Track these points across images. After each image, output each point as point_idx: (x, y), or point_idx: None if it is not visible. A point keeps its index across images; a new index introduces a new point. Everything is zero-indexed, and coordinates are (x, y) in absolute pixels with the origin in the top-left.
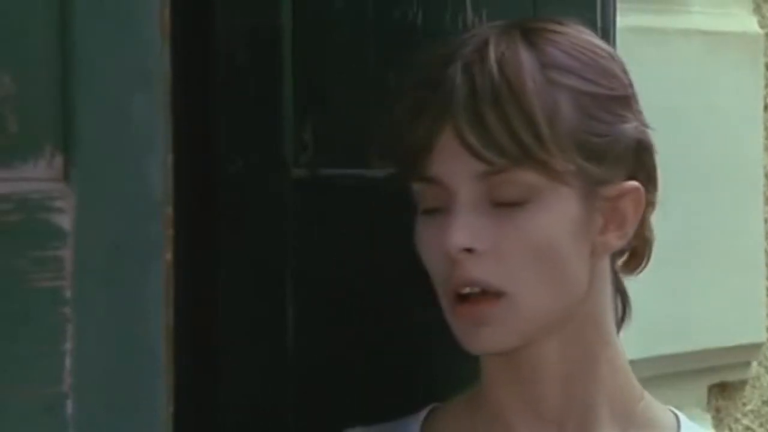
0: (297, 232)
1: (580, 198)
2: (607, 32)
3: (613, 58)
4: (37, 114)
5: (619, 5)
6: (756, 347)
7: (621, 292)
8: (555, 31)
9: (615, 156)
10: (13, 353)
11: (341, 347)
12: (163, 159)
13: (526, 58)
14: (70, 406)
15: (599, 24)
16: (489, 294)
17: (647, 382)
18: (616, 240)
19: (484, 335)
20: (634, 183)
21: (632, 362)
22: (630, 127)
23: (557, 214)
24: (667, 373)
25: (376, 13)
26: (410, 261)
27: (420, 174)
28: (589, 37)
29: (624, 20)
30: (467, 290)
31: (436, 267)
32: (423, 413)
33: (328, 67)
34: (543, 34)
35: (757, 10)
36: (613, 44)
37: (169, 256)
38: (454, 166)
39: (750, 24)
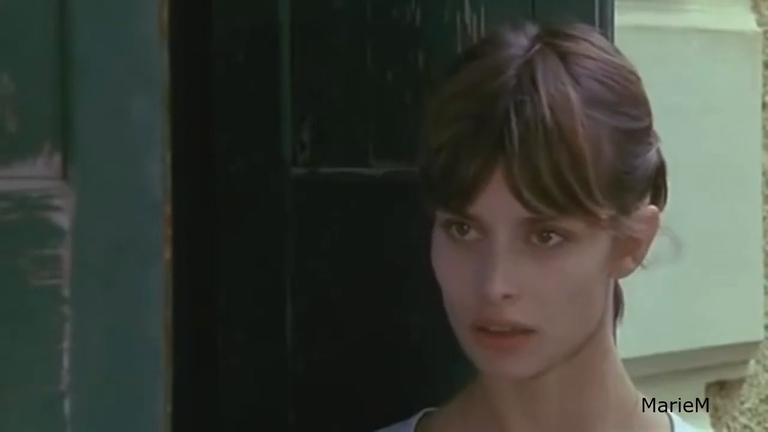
0: (296, 231)
1: (610, 236)
2: (605, 30)
3: (639, 80)
4: (35, 112)
5: (617, 3)
6: (754, 345)
7: (615, 294)
8: (590, 57)
9: (641, 187)
10: (11, 352)
11: (340, 346)
12: (161, 158)
13: (574, 97)
14: (68, 405)
15: (597, 22)
16: (518, 331)
17: (645, 380)
18: (631, 263)
19: (508, 363)
20: (653, 208)
21: (630, 360)
22: (653, 153)
23: (592, 254)
24: (665, 371)
25: (374, 12)
26: (409, 259)
27: (459, 210)
28: (617, 59)
29: (622, 18)
30: (496, 328)
31: (461, 296)
32: (415, 419)
33: (327, 66)
34: (579, 61)
35: (755, 8)
36: (611, 43)
37: (168, 255)
38: (498, 209)
39: (748, 22)
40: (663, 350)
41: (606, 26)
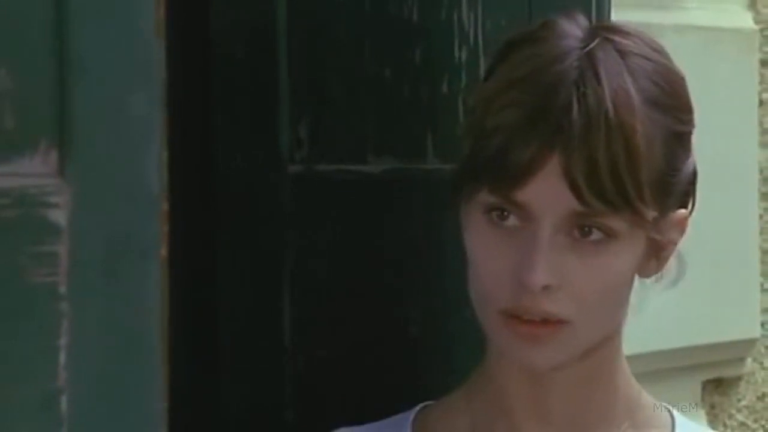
0: (293, 228)
1: (646, 237)
2: None
3: (686, 84)
4: (32, 109)
5: (613, 1)
6: (750, 343)
7: None
8: (646, 57)
9: (679, 191)
10: (8, 349)
11: (340, 345)
12: (158, 155)
13: (635, 96)
14: (65, 402)
15: (594, 19)
16: (550, 321)
17: (642, 377)
18: (661, 264)
19: (534, 353)
20: (684, 212)
21: (627, 358)
22: (692, 159)
23: (630, 254)
24: (662, 368)
25: (371, 9)
26: (408, 256)
27: (507, 195)
28: (669, 62)
29: (618, 16)
30: (528, 316)
31: (496, 281)
32: (413, 412)
33: (324, 63)
34: (637, 60)
35: (752, 5)
36: None
37: (164, 251)
38: (548, 198)
39: (744, 20)
40: (660, 347)
41: None
